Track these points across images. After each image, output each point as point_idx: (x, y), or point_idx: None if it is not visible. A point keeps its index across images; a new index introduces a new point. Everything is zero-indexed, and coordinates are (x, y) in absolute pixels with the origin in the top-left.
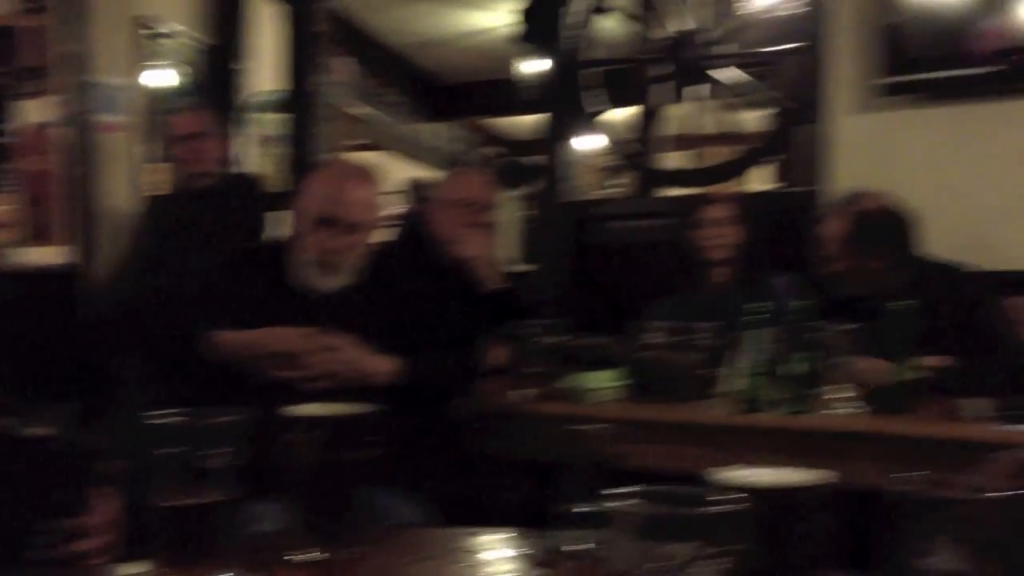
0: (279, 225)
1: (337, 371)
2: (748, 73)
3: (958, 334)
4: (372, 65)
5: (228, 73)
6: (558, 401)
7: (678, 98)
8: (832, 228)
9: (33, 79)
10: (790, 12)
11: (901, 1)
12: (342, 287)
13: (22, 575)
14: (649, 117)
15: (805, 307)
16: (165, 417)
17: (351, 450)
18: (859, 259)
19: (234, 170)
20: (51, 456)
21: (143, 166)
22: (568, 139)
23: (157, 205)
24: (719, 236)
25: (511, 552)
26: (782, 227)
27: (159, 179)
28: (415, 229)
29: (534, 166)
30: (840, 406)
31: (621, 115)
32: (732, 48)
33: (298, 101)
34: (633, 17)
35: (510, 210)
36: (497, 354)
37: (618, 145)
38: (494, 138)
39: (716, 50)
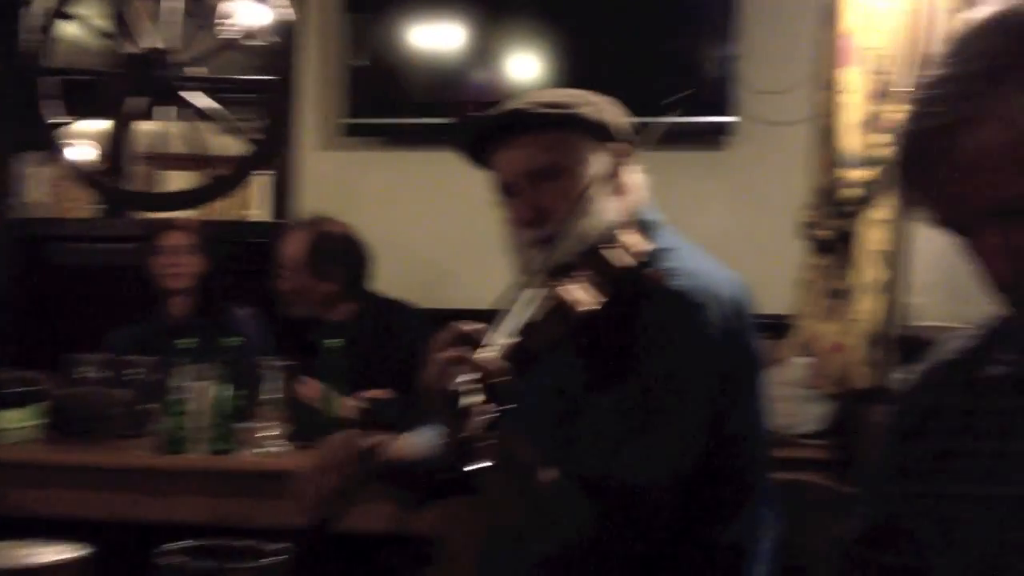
0: None
1: None
2: (220, 99)
3: (399, 368)
4: None
5: None
6: None
7: (148, 117)
8: (291, 247)
9: None
10: (264, 43)
11: (376, 44)
12: None
13: None
14: (117, 134)
15: (238, 343)
16: None
17: None
18: (312, 280)
19: None
20: None
21: None
22: (22, 151)
23: None
24: (177, 264)
25: None
26: (246, 258)
27: None
28: None
29: None
30: (268, 443)
31: (87, 130)
32: (203, 72)
33: None
34: (100, 28)
35: None
36: None
37: (82, 162)
38: None
39: (187, 72)
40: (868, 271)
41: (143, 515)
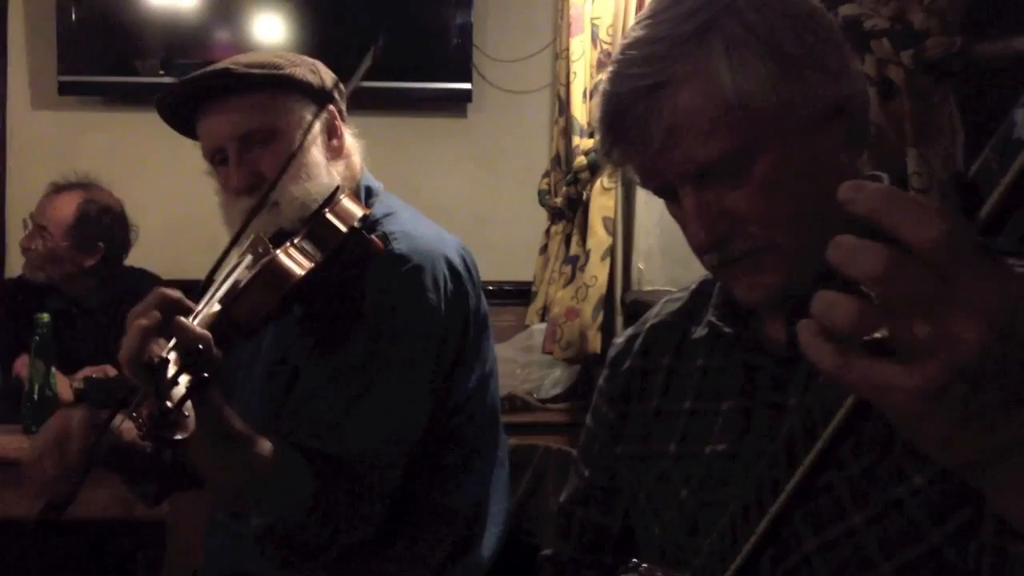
0: None
1: None
2: None
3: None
4: None
5: None
6: None
7: None
8: (57, 211)
9: None
10: None
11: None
12: None
13: None
14: None
15: None
16: None
17: None
18: (72, 251)
19: None
20: None
21: None
22: None
23: None
24: None
25: None
26: None
27: None
28: None
29: None
30: None
31: None
32: None
33: None
34: None
35: None
36: None
37: None
38: None
39: None
40: (598, 238)
41: None
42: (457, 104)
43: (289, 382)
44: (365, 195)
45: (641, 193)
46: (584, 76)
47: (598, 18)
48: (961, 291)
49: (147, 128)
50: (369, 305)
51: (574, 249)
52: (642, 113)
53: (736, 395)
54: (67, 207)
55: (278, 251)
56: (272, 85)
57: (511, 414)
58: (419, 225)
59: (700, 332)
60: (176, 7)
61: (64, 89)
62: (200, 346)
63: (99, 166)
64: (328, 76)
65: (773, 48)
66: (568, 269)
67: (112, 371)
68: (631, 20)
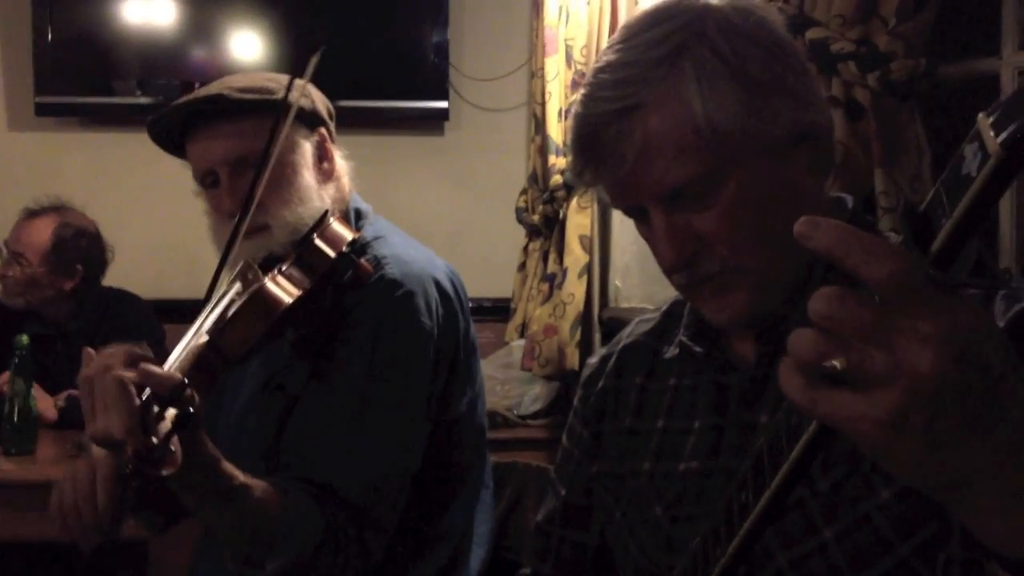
0: None
1: None
2: None
3: None
4: None
5: None
6: None
7: None
8: (33, 236)
9: None
10: None
11: (74, 17)
12: None
13: None
14: None
15: None
16: None
17: None
18: (50, 276)
19: None
20: None
21: None
22: None
23: None
24: None
25: None
26: None
27: None
28: None
29: None
30: None
31: None
32: None
33: None
34: None
35: None
36: None
37: None
38: None
39: None
40: (575, 255)
41: None
42: (434, 122)
43: (285, 408)
44: (355, 217)
45: (617, 212)
46: (559, 96)
47: (572, 39)
48: (912, 322)
49: (125, 148)
50: (363, 332)
51: (551, 267)
52: (613, 136)
53: (708, 414)
54: (43, 232)
55: (266, 279)
56: (265, 110)
57: (491, 431)
58: (410, 249)
59: (672, 352)
60: (152, 27)
61: (41, 110)
62: (174, 387)
63: (77, 187)
64: (319, 98)
65: (742, 74)
66: (546, 286)
67: None
68: (604, 42)
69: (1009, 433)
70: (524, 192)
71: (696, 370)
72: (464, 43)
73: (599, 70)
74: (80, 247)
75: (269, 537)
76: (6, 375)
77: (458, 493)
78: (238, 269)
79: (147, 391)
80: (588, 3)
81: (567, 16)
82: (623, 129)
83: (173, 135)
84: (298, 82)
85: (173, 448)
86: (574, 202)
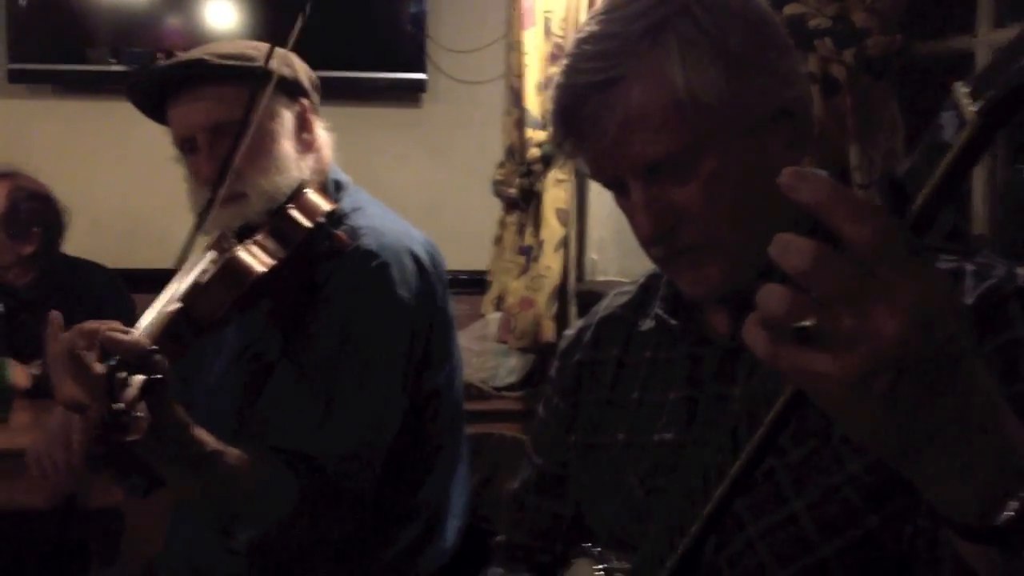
0: None
1: None
2: None
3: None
4: None
5: None
6: None
7: None
8: None
9: None
10: None
11: None
12: None
13: None
14: None
15: None
16: None
17: None
18: (9, 241)
19: None
20: None
21: None
22: None
23: None
24: None
25: None
26: None
27: None
28: None
29: None
30: None
31: None
32: None
33: None
34: None
35: None
36: None
37: None
38: None
39: None
40: (551, 228)
41: None
42: (411, 94)
43: (261, 376)
44: (334, 189)
45: (594, 185)
46: (537, 69)
47: (550, 11)
48: (885, 287)
49: (98, 116)
50: (339, 302)
51: (528, 239)
52: (595, 107)
53: (682, 385)
54: None
55: (238, 248)
56: (246, 77)
57: (466, 402)
58: (387, 221)
59: (648, 324)
60: None
61: (13, 77)
62: (140, 353)
63: (49, 154)
64: (302, 69)
65: (724, 49)
66: (522, 259)
67: None
68: (583, 14)
69: (962, 405)
70: (501, 165)
71: (671, 343)
72: (442, 14)
73: (582, 41)
74: (35, 210)
75: (241, 505)
76: None
77: (434, 466)
78: (214, 238)
79: (114, 357)
80: None
81: None
82: (605, 101)
83: (153, 99)
84: (279, 51)
85: (139, 414)
86: (551, 175)
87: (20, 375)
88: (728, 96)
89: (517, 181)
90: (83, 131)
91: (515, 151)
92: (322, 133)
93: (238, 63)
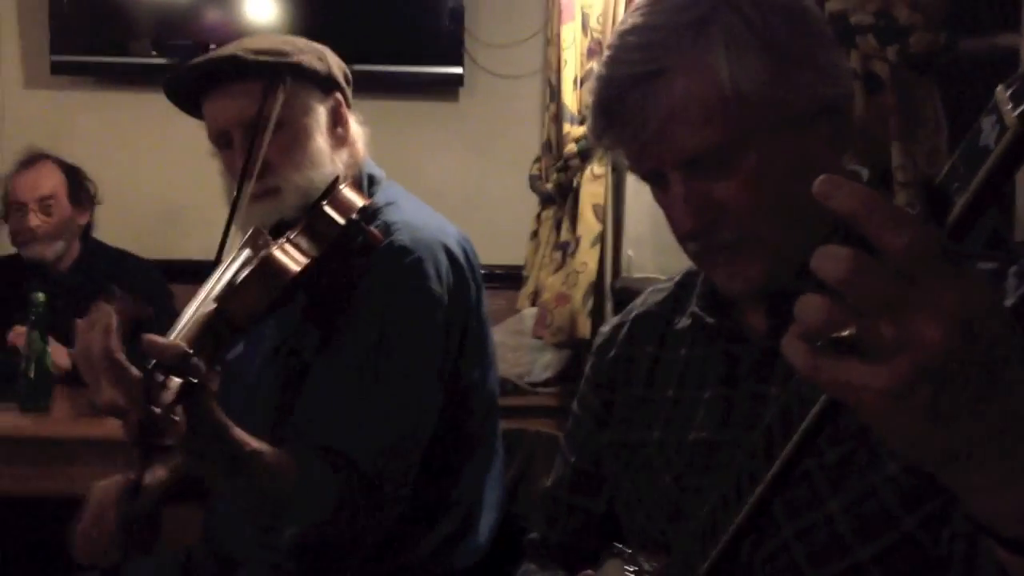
0: None
1: None
2: None
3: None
4: None
5: None
6: None
7: None
8: (46, 181)
9: None
10: None
11: None
12: None
13: None
14: None
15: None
16: None
17: None
18: (75, 211)
19: None
20: None
21: None
22: None
23: None
24: None
25: None
26: None
27: None
28: None
29: None
30: None
31: None
32: None
33: None
34: None
35: None
36: None
37: None
38: None
39: None
40: (588, 224)
41: None
42: (449, 88)
43: (297, 373)
44: (368, 183)
45: (631, 181)
46: (575, 63)
47: (588, 6)
48: (925, 295)
49: (139, 108)
50: (373, 299)
51: (564, 235)
52: (638, 99)
53: (718, 384)
54: (52, 172)
55: (274, 247)
56: (279, 72)
57: (501, 398)
58: (421, 215)
59: (684, 322)
60: None
61: (56, 69)
62: (177, 357)
63: (90, 146)
64: (336, 63)
65: (770, 44)
66: (558, 255)
67: None
68: (621, 10)
69: (1006, 414)
70: (538, 160)
71: (707, 341)
72: (479, 8)
73: (625, 32)
74: (82, 177)
75: (283, 504)
76: (16, 330)
77: (469, 461)
78: (248, 235)
79: (151, 360)
80: None
81: None
82: (648, 93)
83: (189, 94)
84: (313, 45)
85: (176, 417)
86: (588, 171)
87: (61, 356)
88: (772, 91)
89: (554, 176)
90: (124, 123)
91: (552, 146)
92: (356, 127)
93: (271, 59)
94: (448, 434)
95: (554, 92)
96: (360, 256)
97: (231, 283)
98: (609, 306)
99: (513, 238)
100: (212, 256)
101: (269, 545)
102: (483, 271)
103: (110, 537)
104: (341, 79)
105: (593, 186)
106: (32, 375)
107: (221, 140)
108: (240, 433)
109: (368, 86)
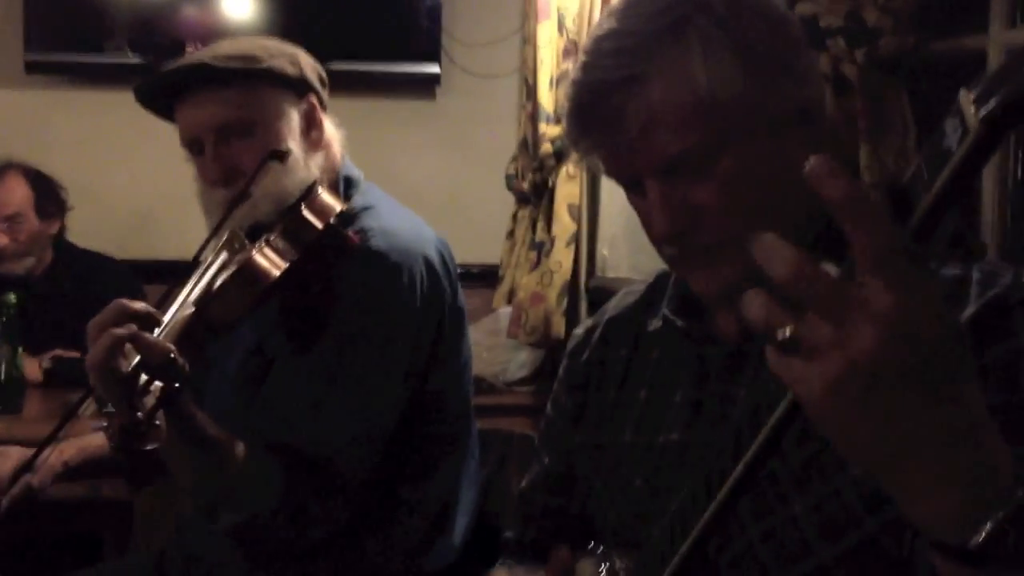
0: None
1: None
2: None
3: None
4: None
5: None
6: None
7: None
8: (12, 193)
9: None
10: None
11: None
12: None
13: None
14: None
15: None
16: None
17: None
18: (42, 223)
19: None
20: None
21: None
22: None
23: None
24: None
25: None
26: None
27: None
28: None
29: None
30: None
31: None
32: None
33: None
34: None
35: None
36: None
37: None
38: None
39: None
40: (563, 224)
41: None
42: (426, 86)
43: (263, 372)
44: (345, 186)
45: (606, 181)
46: (551, 63)
47: (564, 7)
48: (866, 296)
49: (115, 108)
50: (345, 302)
51: (540, 235)
52: (615, 105)
53: (688, 386)
54: (18, 186)
55: (253, 251)
56: (250, 78)
57: (476, 396)
58: (398, 220)
59: (655, 325)
60: None
61: (30, 68)
62: (167, 359)
63: (65, 146)
64: (309, 65)
65: (745, 48)
66: (534, 254)
67: (74, 352)
68: (597, 10)
69: (943, 419)
70: (514, 159)
71: (678, 343)
72: (457, 7)
73: (600, 38)
74: (50, 187)
75: (226, 492)
76: None
77: (443, 463)
78: (224, 238)
79: (136, 359)
80: None
81: None
82: (625, 99)
83: (161, 101)
84: (285, 48)
85: (158, 423)
86: (563, 171)
87: (31, 368)
88: (748, 95)
89: (530, 176)
90: (99, 122)
91: (528, 145)
92: (331, 129)
93: (241, 64)
94: (421, 436)
95: (530, 91)
96: (336, 260)
97: (210, 287)
98: (583, 306)
99: (490, 237)
100: (187, 256)
101: (212, 533)
102: (460, 270)
103: None
104: (315, 81)
105: (568, 186)
106: (2, 377)
107: (193, 147)
108: (219, 432)
109: (345, 84)
